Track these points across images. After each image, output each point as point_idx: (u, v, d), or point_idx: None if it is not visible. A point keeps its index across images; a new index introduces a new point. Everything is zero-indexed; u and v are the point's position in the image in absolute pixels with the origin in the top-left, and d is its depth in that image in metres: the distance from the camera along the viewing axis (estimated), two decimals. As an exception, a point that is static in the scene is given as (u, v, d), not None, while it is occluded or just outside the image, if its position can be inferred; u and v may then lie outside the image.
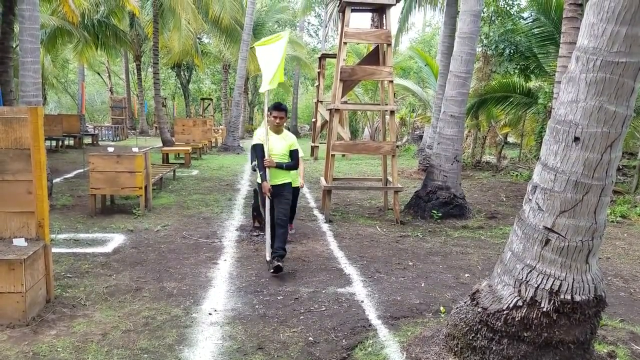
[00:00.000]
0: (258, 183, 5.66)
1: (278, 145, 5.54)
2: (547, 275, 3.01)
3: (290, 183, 5.69)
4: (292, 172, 5.98)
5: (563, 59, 7.89)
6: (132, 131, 28.51)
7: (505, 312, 3.09)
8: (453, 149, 8.59)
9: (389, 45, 8.15)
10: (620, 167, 12.57)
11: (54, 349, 3.57)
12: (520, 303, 3.05)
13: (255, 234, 7.02)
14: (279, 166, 5.47)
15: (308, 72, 31.01)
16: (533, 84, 14.89)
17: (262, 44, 6.03)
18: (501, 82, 14.18)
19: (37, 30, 8.52)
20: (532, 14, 13.32)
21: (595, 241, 3.00)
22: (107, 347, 3.62)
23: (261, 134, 5.50)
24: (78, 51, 21.98)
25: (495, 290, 3.24)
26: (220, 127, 26.30)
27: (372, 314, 4.39)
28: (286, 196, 5.56)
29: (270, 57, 5.76)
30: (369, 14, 17.04)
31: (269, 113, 5.56)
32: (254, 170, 5.79)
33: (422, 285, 5.19)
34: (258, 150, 5.45)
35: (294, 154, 5.63)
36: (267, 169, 5.39)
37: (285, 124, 6.04)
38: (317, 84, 19.00)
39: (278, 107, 5.57)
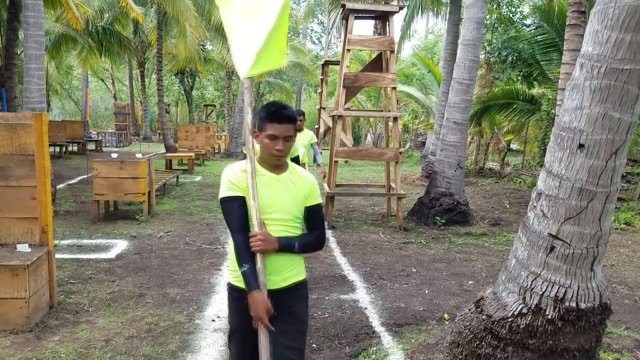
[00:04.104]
0: (233, 290, 2.47)
1: (280, 196, 2.41)
2: (552, 282, 2.99)
3: (305, 283, 2.54)
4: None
5: (566, 66, 7.90)
6: (136, 137, 28.57)
7: (510, 319, 3.07)
8: (456, 155, 8.58)
9: (392, 52, 8.17)
10: (624, 174, 12.53)
11: (57, 355, 3.56)
12: (525, 310, 3.04)
13: None
14: (285, 247, 2.37)
15: (311, 78, 31.05)
16: (536, 90, 14.89)
17: None
18: (504, 89, 14.19)
19: (42, 36, 8.57)
20: (535, 21, 13.36)
21: (600, 248, 2.99)
22: (110, 354, 3.61)
23: (234, 175, 2.39)
24: (82, 58, 22.06)
25: (500, 297, 3.23)
26: (223, 133, 26.34)
27: (375, 321, 4.37)
28: (300, 315, 2.49)
29: (255, 10, 2.61)
30: (372, 21, 17.08)
31: (255, 130, 2.42)
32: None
33: (426, 292, 5.17)
34: (233, 215, 2.36)
35: (314, 213, 2.49)
36: (258, 258, 2.31)
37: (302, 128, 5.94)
38: (320, 90, 19.03)
39: (281, 114, 2.33)
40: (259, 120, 2.39)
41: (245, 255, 2.30)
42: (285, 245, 2.37)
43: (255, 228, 2.33)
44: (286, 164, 2.48)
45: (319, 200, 2.52)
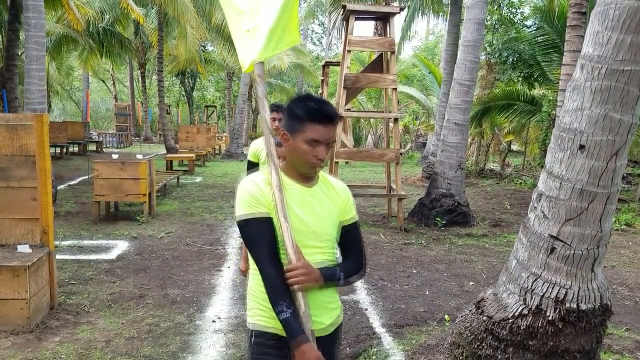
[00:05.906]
0: (268, 338, 1.89)
1: (314, 213, 1.92)
2: (553, 283, 2.99)
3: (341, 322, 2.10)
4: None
5: (567, 67, 7.89)
6: (136, 138, 28.59)
7: (510, 320, 3.07)
8: (457, 156, 8.58)
9: (392, 53, 8.17)
10: (625, 175, 12.54)
11: (57, 356, 3.56)
12: (525, 311, 3.03)
13: None
14: (329, 280, 1.92)
15: (311, 79, 31.10)
16: (537, 91, 14.89)
17: None
18: (505, 90, 14.20)
19: (43, 37, 8.57)
20: (536, 22, 13.36)
21: (601, 249, 2.98)
22: (111, 354, 3.61)
23: (257, 189, 1.85)
24: (83, 59, 22.11)
25: (501, 298, 3.22)
26: (224, 134, 26.36)
27: (376, 322, 4.37)
28: None
29: None
30: (373, 22, 17.10)
31: (285, 132, 1.85)
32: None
33: (427, 293, 5.17)
34: (261, 241, 1.82)
35: (352, 232, 2.08)
36: (299, 297, 1.80)
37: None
38: (320, 91, 19.06)
39: (325, 112, 1.80)
40: (294, 119, 1.82)
41: (281, 293, 1.77)
42: (329, 279, 1.89)
43: (290, 256, 1.80)
44: (317, 174, 1.95)
45: (355, 213, 2.04)
